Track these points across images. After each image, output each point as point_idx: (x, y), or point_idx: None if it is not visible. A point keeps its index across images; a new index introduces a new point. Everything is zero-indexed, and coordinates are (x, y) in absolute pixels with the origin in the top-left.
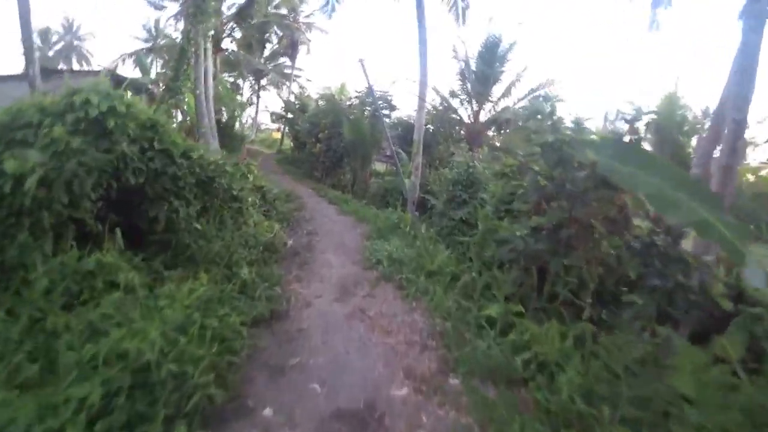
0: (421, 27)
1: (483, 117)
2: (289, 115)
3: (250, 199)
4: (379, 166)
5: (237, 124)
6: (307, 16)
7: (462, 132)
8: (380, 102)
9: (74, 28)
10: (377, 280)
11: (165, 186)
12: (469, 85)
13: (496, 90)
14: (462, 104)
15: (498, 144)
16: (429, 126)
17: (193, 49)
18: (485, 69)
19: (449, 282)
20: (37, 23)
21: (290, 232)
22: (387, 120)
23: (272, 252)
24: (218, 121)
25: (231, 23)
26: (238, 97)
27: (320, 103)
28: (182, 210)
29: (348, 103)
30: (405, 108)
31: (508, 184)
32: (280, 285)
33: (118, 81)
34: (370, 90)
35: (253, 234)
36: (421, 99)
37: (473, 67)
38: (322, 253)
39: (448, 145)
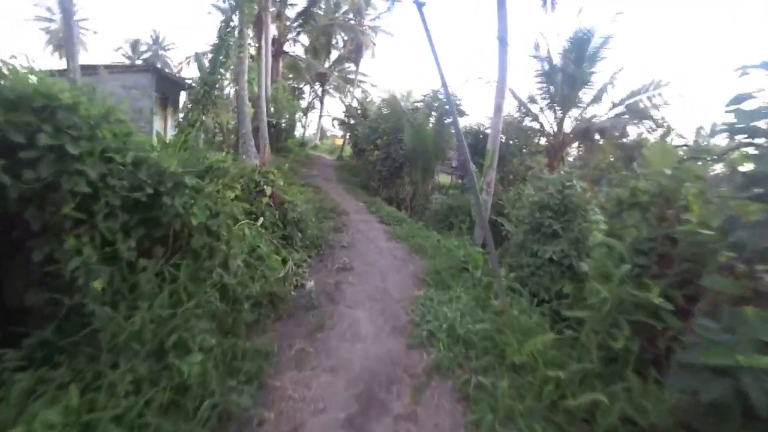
0: (501, 11)
1: (567, 126)
2: (351, 121)
3: (251, 227)
4: (444, 179)
5: (298, 129)
6: (373, 20)
7: (541, 142)
8: (447, 106)
9: (160, 39)
10: (426, 374)
11: (60, 206)
12: (552, 88)
13: (585, 94)
14: (542, 110)
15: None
16: (501, 135)
17: (233, 40)
18: (572, 69)
19: (549, 392)
20: (129, 35)
21: (316, 267)
22: (454, 127)
23: (273, 304)
24: (274, 125)
25: (294, 24)
26: (302, 102)
27: (381, 106)
28: (86, 250)
29: (411, 107)
30: (474, 114)
31: (650, 223)
32: (261, 379)
33: (159, 75)
34: (440, 75)
35: (238, 283)
36: (499, 101)
37: (558, 66)
38: (351, 307)
39: (523, 158)
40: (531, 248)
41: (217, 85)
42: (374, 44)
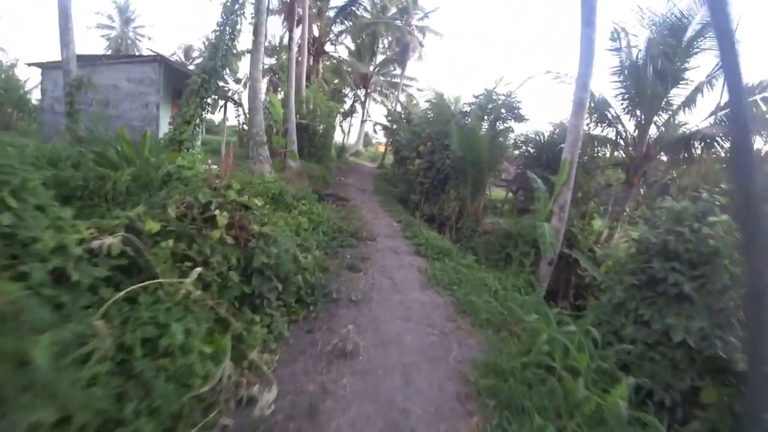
0: None
1: (652, 134)
2: (394, 126)
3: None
4: (496, 192)
5: (338, 134)
6: (420, 19)
7: (619, 154)
8: (504, 109)
9: None
10: None
11: None
12: (632, 89)
13: (676, 95)
14: (617, 116)
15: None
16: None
17: (241, 25)
18: (661, 63)
19: None
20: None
21: (296, 347)
22: (512, 133)
23: None
24: (306, 128)
25: (336, 23)
26: (344, 106)
27: (427, 109)
28: None
29: (461, 110)
30: (534, 119)
31: None
32: None
33: (168, 66)
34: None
35: None
36: (581, 96)
37: (641, 60)
38: None
39: (594, 174)
40: (636, 313)
41: (221, 75)
42: (422, 45)
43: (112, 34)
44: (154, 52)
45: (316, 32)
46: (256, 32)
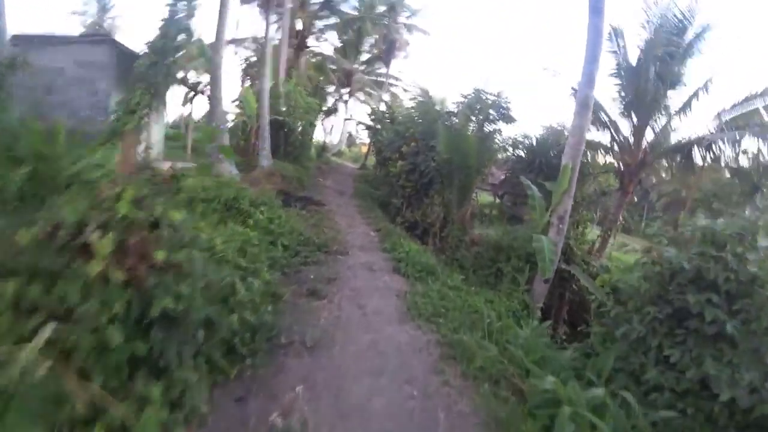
0: None
1: (648, 139)
2: (378, 126)
3: None
4: (483, 197)
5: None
6: (408, 17)
7: (613, 162)
8: (493, 110)
9: None
10: None
11: None
12: (626, 91)
13: (673, 99)
14: (608, 121)
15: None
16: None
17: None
18: (659, 65)
19: None
20: None
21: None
22: (500, 135)
23: None
24: (283, 124)
25: (320, 18)
26: (327, 104)
27: (411, 108)
28: None
29: (448, 110)
30: (524, 121)
31: None
32: None
33: (121, 50)
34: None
35: None
36: (585, 93)
37: (639, 62)
38: None
39: (588, 180)
40: (660, 352)
41: (174, 57)
42: (408, 43)
43: (88, 21)
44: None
45: (299, 25)
46: (221, 12)
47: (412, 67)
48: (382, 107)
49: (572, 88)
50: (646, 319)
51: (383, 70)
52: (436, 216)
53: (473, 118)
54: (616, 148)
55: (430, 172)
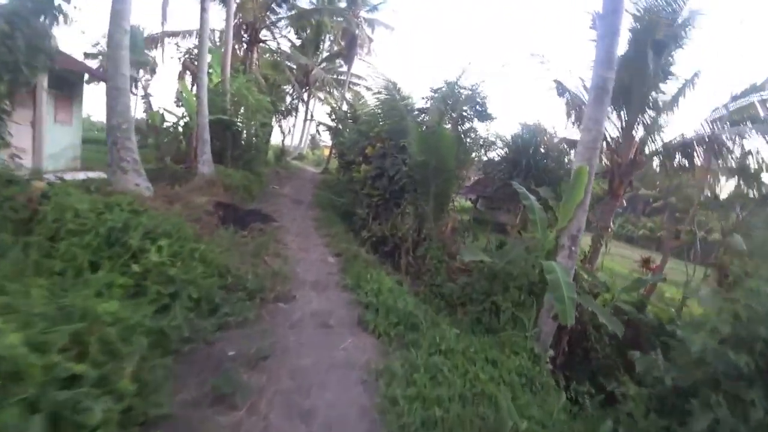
0: None
1: (638, 137)
2: (339, 126)
3: None
4: (459, 202)
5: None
6: (369, 11)
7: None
8: (470, 106)
9: None
10: None
11: None
12: (617, 83)
13: (663, 93)
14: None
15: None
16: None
17: None
18: (646, 55)
19: None
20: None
21: None
22: (474, 134)
23: None
24: (228, 125)
25: (273, 10)
26: (284, 104)
27: (376, 102)
28: None
29: (417, 105)
30: (503, 119)
31: None
32: None
33: None
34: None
35: None
36: (603, 76)
37: (627, 52)
38: None
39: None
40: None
41: (39, 30)
42: (371, 39)
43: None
44: None
45: (250, 18)
46: None
47: (377, 66)
48: (344, 106)
49: (555, 81)
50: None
51: (345, 69)
52: (409, 229)
53: (447, 114)
54: (603, 146)
55: (401, 177)
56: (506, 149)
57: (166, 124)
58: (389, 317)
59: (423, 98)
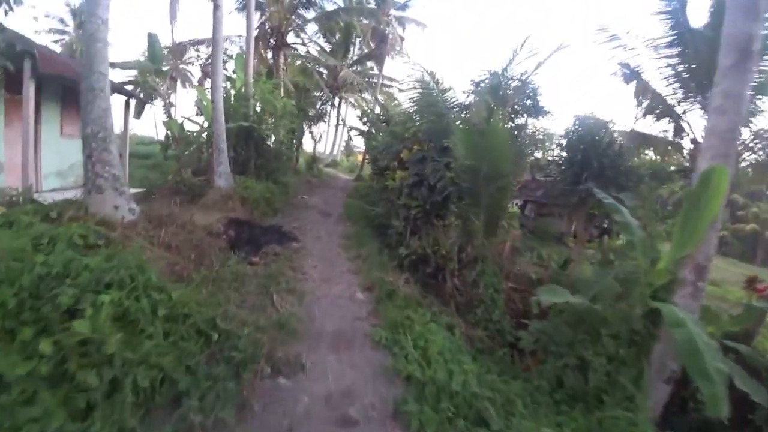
0: None
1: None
2: (373, 130)
3: None
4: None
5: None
6: (399, 8)
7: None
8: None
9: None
10: None
11: None
12: (696, 64)
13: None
14: (665, 107)
15: None
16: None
17: None
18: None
19: None
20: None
21: None
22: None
23: None
24: (248, 134)
25: (300, 11)
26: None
27: (412, 96)
28: None
29: (457, 101)
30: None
31: None
32: None
33: None
34: None
35: None
36: (746, 31)
37: (704, 25)
38: None
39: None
40: None
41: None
42: (402, 38)
43: (66, 39)
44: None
45: (276, 21)
46: None
47: (411, 57)
48: (377, 109)
49: (620, 65)
50: None
51: (376, 71)
52: (453, 244)
53: (494, 110)
54: (686, 144)
55: (445, 185)
56: (566, 147)
57: (187, 134)
58: (441, 404)
59: (464, 92)
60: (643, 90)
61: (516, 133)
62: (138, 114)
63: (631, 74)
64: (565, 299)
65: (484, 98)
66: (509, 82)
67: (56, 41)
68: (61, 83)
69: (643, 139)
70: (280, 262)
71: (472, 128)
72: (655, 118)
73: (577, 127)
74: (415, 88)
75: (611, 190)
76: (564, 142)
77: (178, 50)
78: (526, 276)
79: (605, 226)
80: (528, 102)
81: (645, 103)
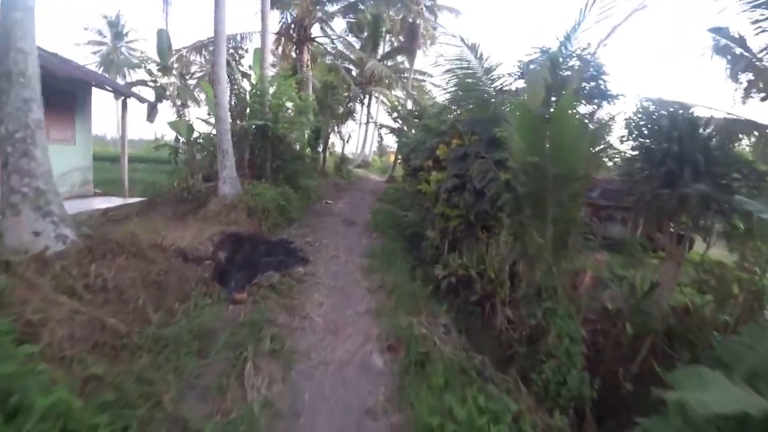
0: None
1: None
2: (404, 127)
3: None
4: None
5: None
6: None
7: None
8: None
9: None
10: None
11: None
12: None
13: None
14: None
15: None
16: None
17: None
18: None
19: None
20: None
21: None
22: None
23: None
24: (262, 133)
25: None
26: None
27: (450, 74)
28: None
29: (506, 79)
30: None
31: None
32: None
33: None
34: None
35: None
36: None
37: None
38: None
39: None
40: None
41: None
42: (434, 28)
43: (103, 50)
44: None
45: (298, 14)
46: None
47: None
48: (407, 103)
49: (712, 30)
50: None
51: (407, 66)
52: (504, 262)
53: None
54: None
55: (497, 190)
56: (650, 137)
57: (196, 135)
58: None
59: (510, 75)
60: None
61: (593, 120)
62: (151, 117)
63: (722, 49)
64: (740, 407)
65: (540, 77)
66: (569, 59)
67: (95, 52)
68: (45, 83)
69: (746, 126)
70: (275, 299)
71: (536, 114)
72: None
73: (657, 110)
74: (450, 71)
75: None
76: (642, 131)
77: (199, 48)
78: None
79: (681, 233)
80: (592, 84)
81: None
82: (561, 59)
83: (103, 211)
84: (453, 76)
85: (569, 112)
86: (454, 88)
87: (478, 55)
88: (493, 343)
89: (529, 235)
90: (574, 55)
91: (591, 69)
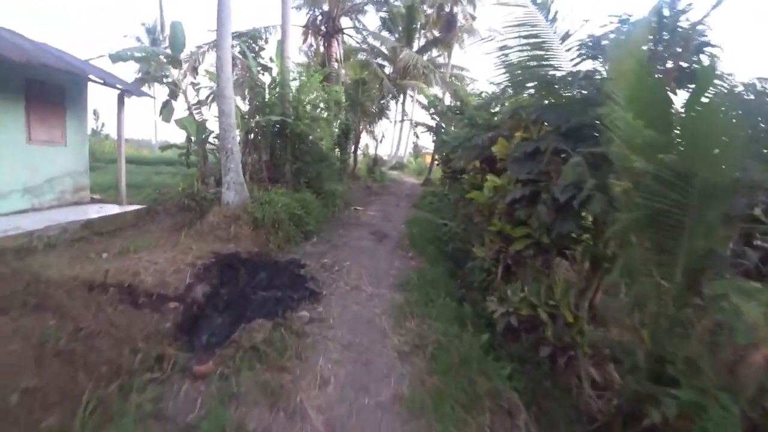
0: None
1: None
2: (443, 125)
3: None
4: None
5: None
6: None
7: None
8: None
9: None
10: None
11: None
12: None
13: None
14: None
15: None
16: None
17: None
18: None
19: None
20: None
21: None
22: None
23: None
24: (280, 130)
25: None
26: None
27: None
28: None
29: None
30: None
31: None
32: None
33: None
34: None
35: None
36: None
37: None
38: None
39: None
40: None
41: None
42: (473, 17)
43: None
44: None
45: (326, 6)
46: None
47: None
48: (447, 100)
49: None
50: None
51: (444, 61)
52: (581, 302)
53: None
54: None
55: (603, 207)
56: None
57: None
58: None
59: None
60: None
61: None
62: (166, 115)
63: None
64: None
65: (639, 43)
66: (678, 18)
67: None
68: (22, 74)
69: None
70: (256, 371)
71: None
72: None
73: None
74: (504, 48)
75: None
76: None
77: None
78: None
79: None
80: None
81: None
82: (666, 19)
83: (84, 224)
84: (514, 49)
85: (714, 91)
86: (514, 65)
87: (552, 17)
88: (569, 413)
89: (646, 273)
90: (685, 11)
91: (699, 42)
